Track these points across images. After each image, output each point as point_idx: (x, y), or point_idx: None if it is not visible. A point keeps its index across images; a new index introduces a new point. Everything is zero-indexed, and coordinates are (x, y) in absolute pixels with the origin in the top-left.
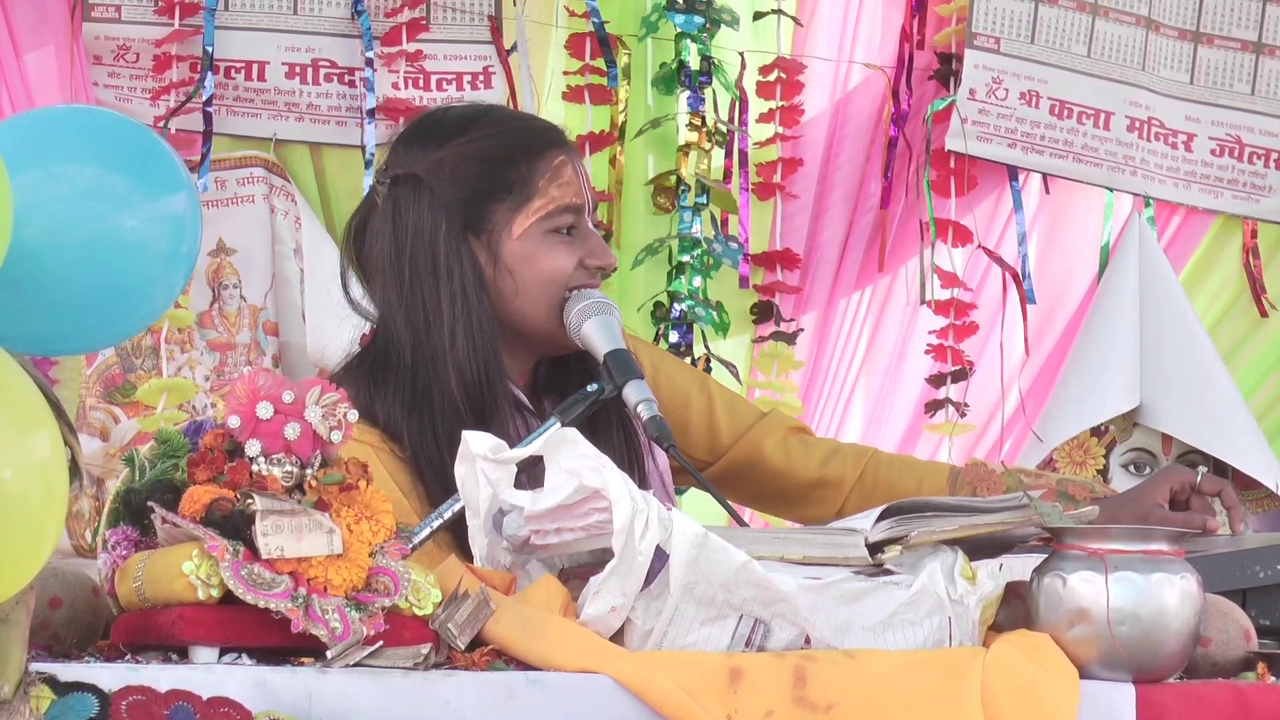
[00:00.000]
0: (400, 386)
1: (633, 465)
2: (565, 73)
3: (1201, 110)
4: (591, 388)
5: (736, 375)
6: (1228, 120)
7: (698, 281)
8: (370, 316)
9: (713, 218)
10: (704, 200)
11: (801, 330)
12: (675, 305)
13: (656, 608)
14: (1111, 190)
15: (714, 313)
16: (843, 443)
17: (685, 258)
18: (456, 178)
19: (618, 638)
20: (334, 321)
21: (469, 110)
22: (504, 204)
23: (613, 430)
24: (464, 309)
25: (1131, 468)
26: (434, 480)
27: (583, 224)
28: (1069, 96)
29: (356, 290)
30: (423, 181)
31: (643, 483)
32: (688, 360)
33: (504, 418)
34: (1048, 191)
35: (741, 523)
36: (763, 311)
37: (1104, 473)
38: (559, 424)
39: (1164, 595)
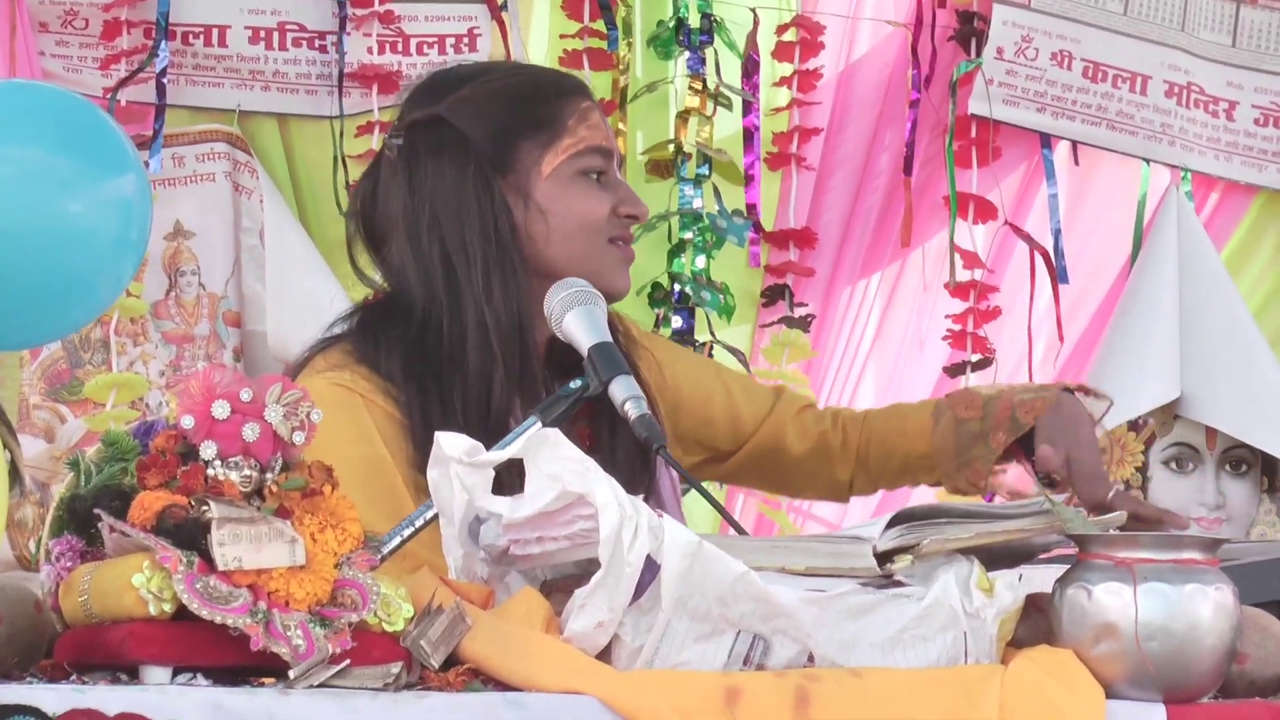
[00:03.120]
0: (407, 341)
1: (645, 466)
2: (562, 35)
3: (1244, 76)
4: (575, 384)
5: (745, 363)
6: (1273, 87)
7: (700, 261)
8: (377, 286)
9: (715, 191)
10: (705, 171)
11: (814, 316)
12: (676, 287)
13: (647, 623)
14: (1148, 161)
15: (720, 296)
16: (843, 410)
17: (687, 234)
18: (483, 114)
19: (605, 656)
20: (298, 314)
21: (484, 63)
22: (532, 141)
23: (624, 430)
24: (498, 250)
25: (1173, 464)
26: (425, 442)
27: (612, 170)
28: (1103, 58)
29: (364, 261)
30: (444, 122)
31: (653, 485)
32: (689, 348)
33: (537, 368)
34: (1076, 162)
35: (739, 529)
36: (774, 295)
37: (1143, 470)
38: (540, 424)
39: (1197, 608)
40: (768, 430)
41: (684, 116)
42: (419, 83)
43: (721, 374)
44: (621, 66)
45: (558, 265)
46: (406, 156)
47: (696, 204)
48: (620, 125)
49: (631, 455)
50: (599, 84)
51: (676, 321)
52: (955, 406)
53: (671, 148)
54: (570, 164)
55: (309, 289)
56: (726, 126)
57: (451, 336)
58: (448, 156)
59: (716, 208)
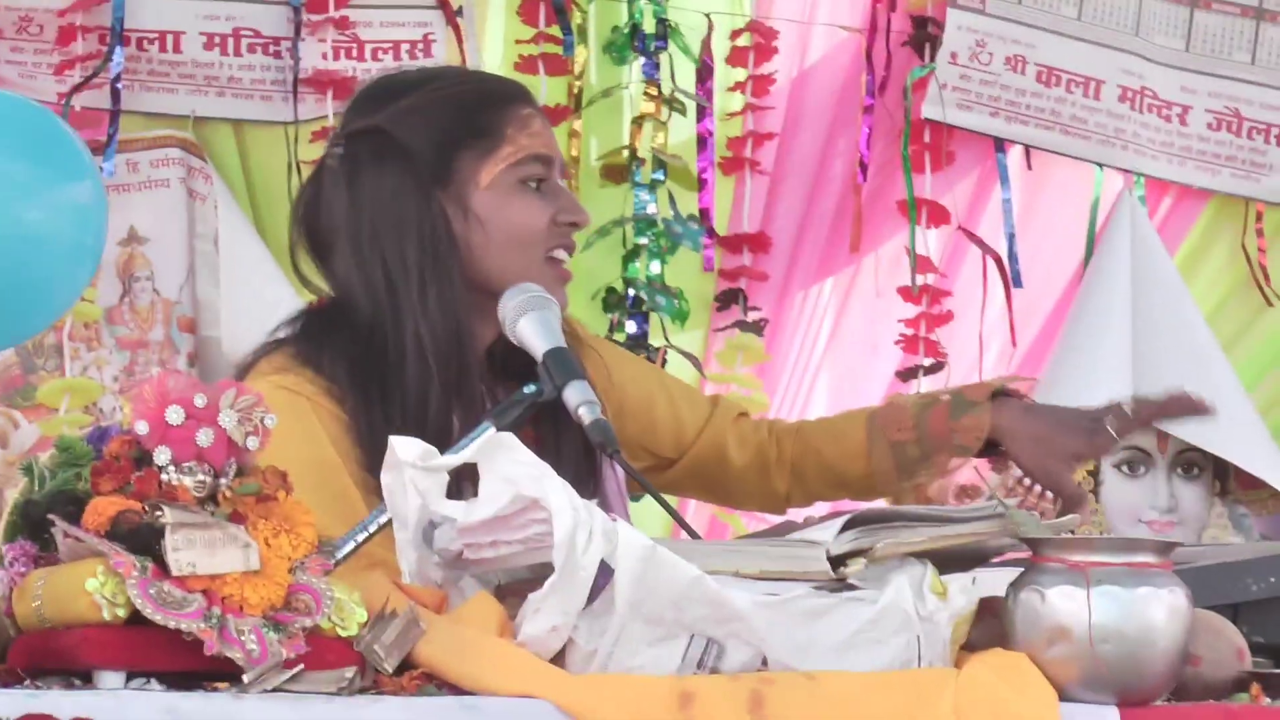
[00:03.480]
0: (350, 344)
1: (591, 471)
2: (518, 41)
3: (1198, 80)
4: (529, 389)
5: (700, 368)
6: (1226, 91)
7: (655, 267)
8: (322, 292)
9: (670, 196)
10: (661, 177)
11: (767, 321)
12: (631, 292)
13: (601, 627)
14: (1101, 166)
15: (674, 301)
16: (776, 421)
17: (642, 240)
18: (422, 125)
19: (559, 660)
20: (253, 320)
21: (428, 69)
22: (472, 151)
23: (573, 433)
24: (434, 262)
25: (1125, 468)
26: (372, 444)
27: (553, 178)
28: (1057, 63)
29: (307, 267)
30: (385, 132)
31: (599, 490)
32: (643, 354)
33: (475, 381)
34: (1029, 167)
35: (692, 533)
36: (727, 299)
37: (1095, 474)
38: (493, 428)
39: (1150, 611)
40: (709, 439)
41: (639, 122)
42: (361, 90)
43: (664, 380)
44: (577, 72)
45: (494, 277)
46: (348, 166)
47: (651, 209)
48: (575, 128)
49: (577, 460)
50: (554, 89)
51: (631, 327)
52: (887, 429)
53: (626, 153)
54: (509, 173)
55: (264, 294)
56: (680, 132)
57: (393, 347)
58: (387, 167)
59: (671, 213)
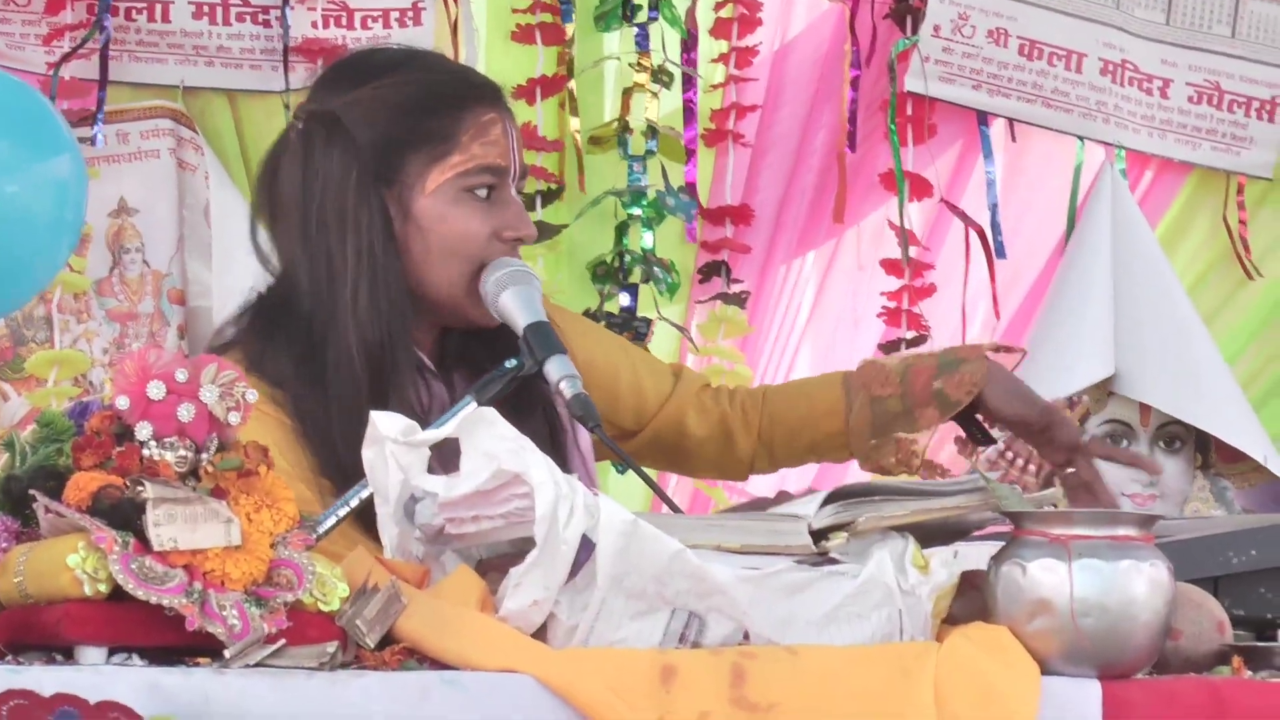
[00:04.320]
0: (294, 343)
1: (556, 447)
2: (515, 10)
3: (1178, 54)
4: (510, 364)
5: (691, 340)
6: (1206, 65)
7: (648, 239)
8: (275, 270)
9: (662, 168)
10: (653, 148)
11: (749, 293)
12: (624, 264)
13: (582, 601)
14: (1083, 139)
15: (668, 273)
16: (740, 389)
17: (634, 211)
18: (372, 121)
19: (540, 634)
20: (243, 290)
21: (400, 53)
22: (421, 155)
23: (534, 410)
24: (369, 264)
25: (1107, 441)
26: (320, 445)
27: (504, 189)
28: (1039, 36)
29: (266, 241)
30: (338, 121)
31: (565, 466)
32: (635, 326)
33: (404, 384)
34: (1013, 139)
35: (674, 508)
36: (710, 271)
37: None
38: (475, 403)
39: (1132, 584)
40: (670, 412)
41: (629, 93)
42: (332, 65)
43: (627, 350)
44: (568, 40)
45: (431, 285)
46: (303, 145)
47: (643, 181)
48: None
49: (542, 437)
50: (548, 59)
51: (624, 299)
52: (869, 384)
53: (615, 125)
54: (456, 181)
55: (254, 265)
56: (664, 104)
57: (330, 347)
58: (338, 156)
59: (663, 184)
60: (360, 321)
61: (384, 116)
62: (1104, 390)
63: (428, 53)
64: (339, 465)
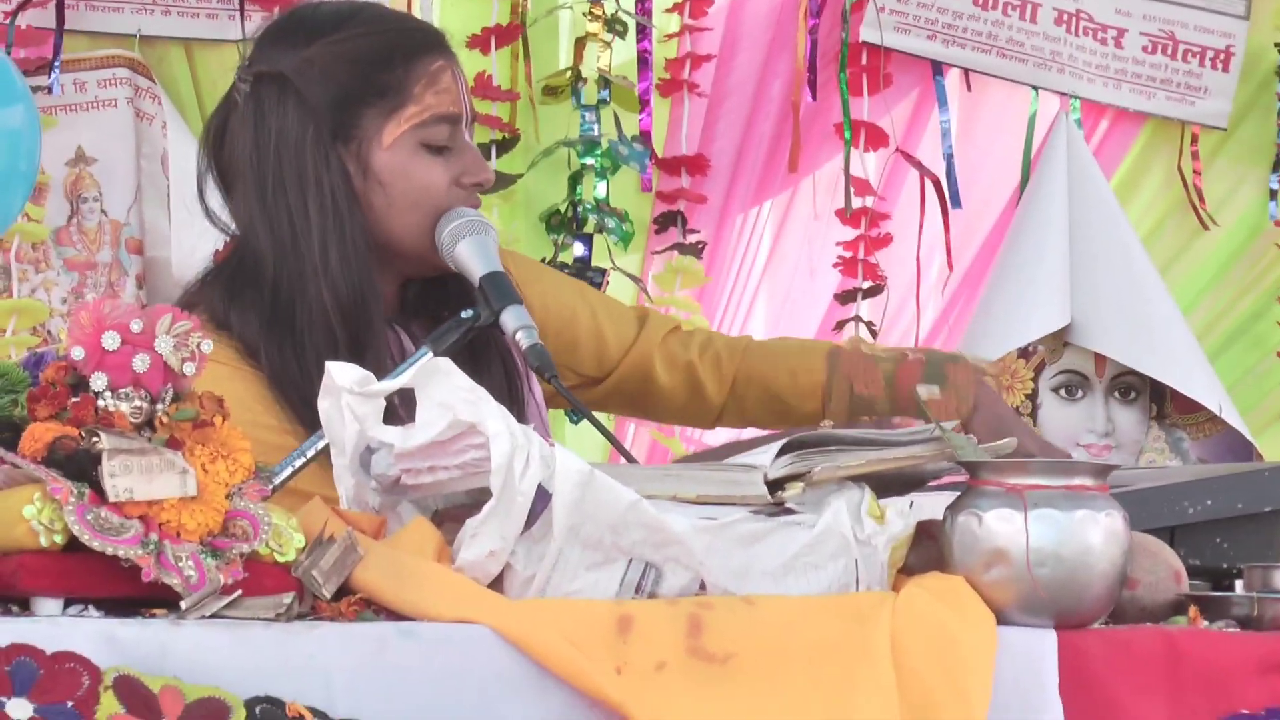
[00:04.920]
0: (260, 302)
1: (513, 398)
2: None
3: (1133, 3)
4: (466, 314)
5: (645, 290)
6: (1161, 15)
7: (601, 189)
8: (227, 229)
9: (615, 117)
10: (605, 97)
11: (705, 243)
12: (579, 214)
13: (539, 552)
14: (1037, 89)
15: (621, 223)
16: (716, 336)
17: (588, 161)
18: (325, 79)
19: (497, 585)
20: (202, 240)
21: (343, 7)
22: (375, 109)
23: (492, 360)
24: (335, 222)
25: (1063, 391)
26: (298, 401)
27: (459, 136)
28: None
29: (215, 200)
30: (289, 82)
31: (522, 417)
32: (589, 276)
33: (379, 338)
34: (969, 89)
35: (629, 458)
36: (666, 221)
37: (1033, 397)
38: (431, 354)
39: (1088, 534)
40: (634, 359)
41: (581, 42)
42: (277, 21)
43: (586, 295)
44: None
45: (396, 238)
46: (253, 106)
47: (596, 131)
48: (524, 47)
49: (499, 387)
50: (502, 8)
51: (578, 249)
52: (854, 376)
53: (569, 74)
54: (413, 134)
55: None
56: (619, 54)
57: (300, 306)
58: (291, 116)
59: (616, 134)
60: (333, 279)
61: (335, 74)
62: (1059, 340)
63: (369, 4)
64: (318, 422)
